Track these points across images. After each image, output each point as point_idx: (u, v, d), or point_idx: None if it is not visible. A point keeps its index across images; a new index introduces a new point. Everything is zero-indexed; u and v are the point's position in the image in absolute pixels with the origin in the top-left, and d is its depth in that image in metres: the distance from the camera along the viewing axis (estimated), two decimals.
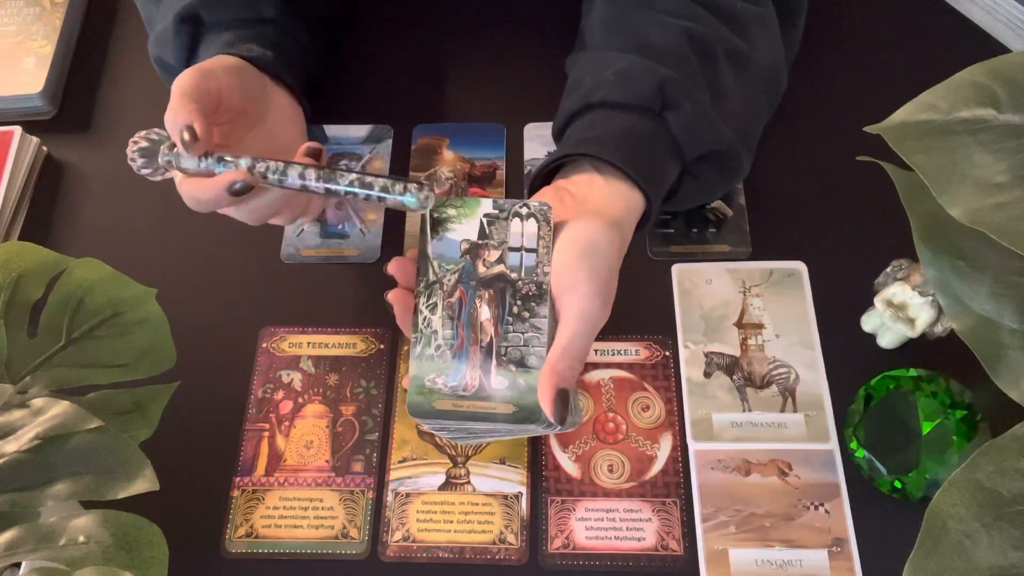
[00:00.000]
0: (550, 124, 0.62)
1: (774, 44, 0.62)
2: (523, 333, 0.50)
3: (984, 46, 0.74)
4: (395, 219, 0.70)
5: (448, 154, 0.73)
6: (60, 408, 0.46)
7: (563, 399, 0.48)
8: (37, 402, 0.47)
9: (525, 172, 0.71)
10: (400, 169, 0.72)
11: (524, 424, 0.50)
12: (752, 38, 0.60)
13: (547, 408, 0.48)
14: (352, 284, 0.68)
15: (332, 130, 0.74)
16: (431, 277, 0.52)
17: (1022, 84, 0.41)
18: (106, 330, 0.52)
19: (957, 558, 0.37)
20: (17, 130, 0.73)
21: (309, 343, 0.65)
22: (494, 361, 0.50)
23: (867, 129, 0.43)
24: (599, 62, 0.58)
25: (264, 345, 0.65)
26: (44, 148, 0.75)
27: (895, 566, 0.38)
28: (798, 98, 0.67)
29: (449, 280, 0.52)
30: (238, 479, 0.60)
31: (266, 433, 0.62)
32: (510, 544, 0.57)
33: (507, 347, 0.50)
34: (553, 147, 0.63)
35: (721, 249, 0.67)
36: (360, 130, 0.74)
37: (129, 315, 0.53)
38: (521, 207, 0.52)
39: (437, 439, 0.61)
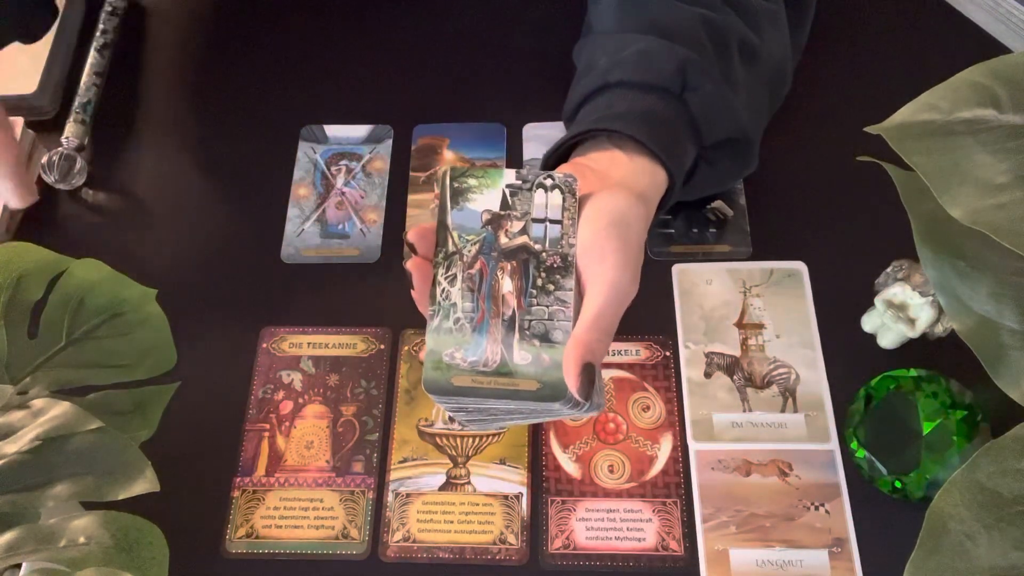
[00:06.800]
0: (550, 124, 0.62)
1: (783, 41, 0.62)
2: (547, 306, 0.48)
3: (984, 46, 0.74)
4: (395, 219, 0.70)
5: (448, 154, 0.73)
6: (60, 409, 0.46)
7: (589, 374, 0.46)
8: (37, 403, 0.47)
9: None
10: (400, 168, 0.72)
11: (547, 403, 0.47)
12: (763, 33, 0.60)
13: (572, 383, 0.46)
14: (352, 284, 0.68)
15: (332, 130, 0.74)
16: (451, 248, 0.50)
17: (1022, 84, 0.41)
18: (106, 330, 0.52)
19: (958, 559, 0.37)
20: (19, 121, 0.72)
21: (309, 343, 0.65)
22: (516, 335, 0.48)
23: (867, 130, 0.43)
24: (615, 43, 0.58)
25: (264, 345, 0.65)
26: (44, 148, 0.75)
27: (895, 566, 0.38)
28: (799, 98, 0.67)
29: (469, 251, 0.49)
30: (238, 479, 0.60)
31: (266, 433, 0.62)
32: (510, 544, 0.57)
33: (531, 321, 0.48)
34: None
35: (721, 249, 0.67)
36: (360, 130, 0.74)
37: (129, 315, 0.53)
38: (545, 178, 0.50)
39: (438, 439, 0.61)
